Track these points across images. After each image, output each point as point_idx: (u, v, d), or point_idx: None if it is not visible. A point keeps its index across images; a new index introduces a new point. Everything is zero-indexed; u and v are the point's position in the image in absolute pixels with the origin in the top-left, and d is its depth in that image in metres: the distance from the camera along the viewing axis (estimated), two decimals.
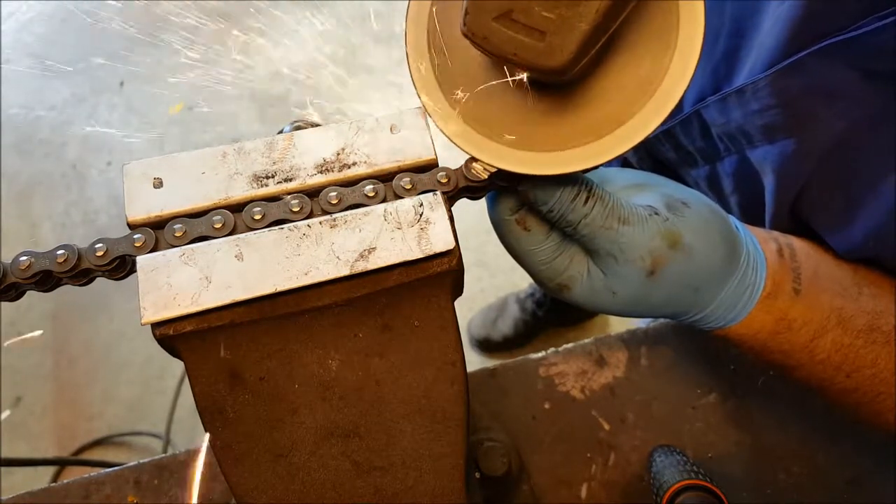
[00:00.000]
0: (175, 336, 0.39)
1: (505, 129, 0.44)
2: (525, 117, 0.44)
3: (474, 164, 0.45)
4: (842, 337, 0.51)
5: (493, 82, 0.44)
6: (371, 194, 0.43)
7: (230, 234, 0.41)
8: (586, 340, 0.78)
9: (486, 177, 0.44)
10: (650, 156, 0.79)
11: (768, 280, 0.51)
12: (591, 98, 0.43)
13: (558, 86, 0.43)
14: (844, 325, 0.51)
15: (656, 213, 0.47)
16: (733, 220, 0.52)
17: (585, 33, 0.35)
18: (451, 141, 0.45)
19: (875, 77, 0.49)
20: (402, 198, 0.43)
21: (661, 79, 0.41)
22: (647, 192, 0.50)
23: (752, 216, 0.64)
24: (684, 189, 0.50)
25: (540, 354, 0.77)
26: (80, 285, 0.43)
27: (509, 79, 0.42)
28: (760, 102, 0.56)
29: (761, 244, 0.52)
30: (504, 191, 0.48)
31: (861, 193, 0.52)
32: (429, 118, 0.46)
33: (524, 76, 0.41)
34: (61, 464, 1.76)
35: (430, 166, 0.45)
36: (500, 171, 0.44)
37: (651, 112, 0.41)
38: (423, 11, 0.45)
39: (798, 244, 0.55)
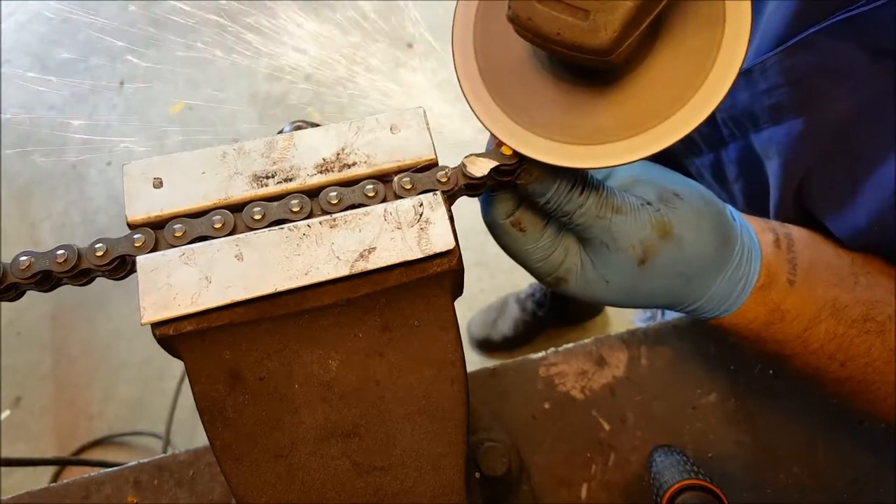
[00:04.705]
0: (175, 336, 0.39)
1: (546, 123, 0.44)
2: (566, 110, 0.44)
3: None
4: (835, 327, 0.52)
5: (532, 73, 0.44)
6: (371, 194, 0.43)
7: (230, 234, 0.41)
8: (586, 340, 0.78)
9: (487, 173, 0.45)
10: None
11: (762, 271, 0.51)
12: (634, 92, 0.43)
13: (601, 77, 0.43)
14: (838, 315, 0.52)
15: (649, 204, 0.47)
16: (730, 210, 0.52)
17: (629, 11, 0.35)
18: (499, 140, 0.45)
19: (883, 56, 0.49)
20: (402, 198, 0.43)
21: (705, 75, 0.40)
22: (642, 184, 0.50)
23: (757, 203, 0.64)
24: (679, 180, 0.51)
25: (540, 354, 0.77)
26: (80, 285, 0.43)
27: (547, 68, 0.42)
28: (768, 82, 0.56)
29: (758, 234, 0.52)
30: (499, 191, 0.49)
31: (866, 174, 0.52)
32: (428, 121, 0.46)
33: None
34: (61, 464, 1.76)
35: (430, 166, 0.45)
36: (499, 167, 0.44)
37: (695, 108, 0.41)
38: (470, 11, 0.47)
39: (797, 234, 0.55)
